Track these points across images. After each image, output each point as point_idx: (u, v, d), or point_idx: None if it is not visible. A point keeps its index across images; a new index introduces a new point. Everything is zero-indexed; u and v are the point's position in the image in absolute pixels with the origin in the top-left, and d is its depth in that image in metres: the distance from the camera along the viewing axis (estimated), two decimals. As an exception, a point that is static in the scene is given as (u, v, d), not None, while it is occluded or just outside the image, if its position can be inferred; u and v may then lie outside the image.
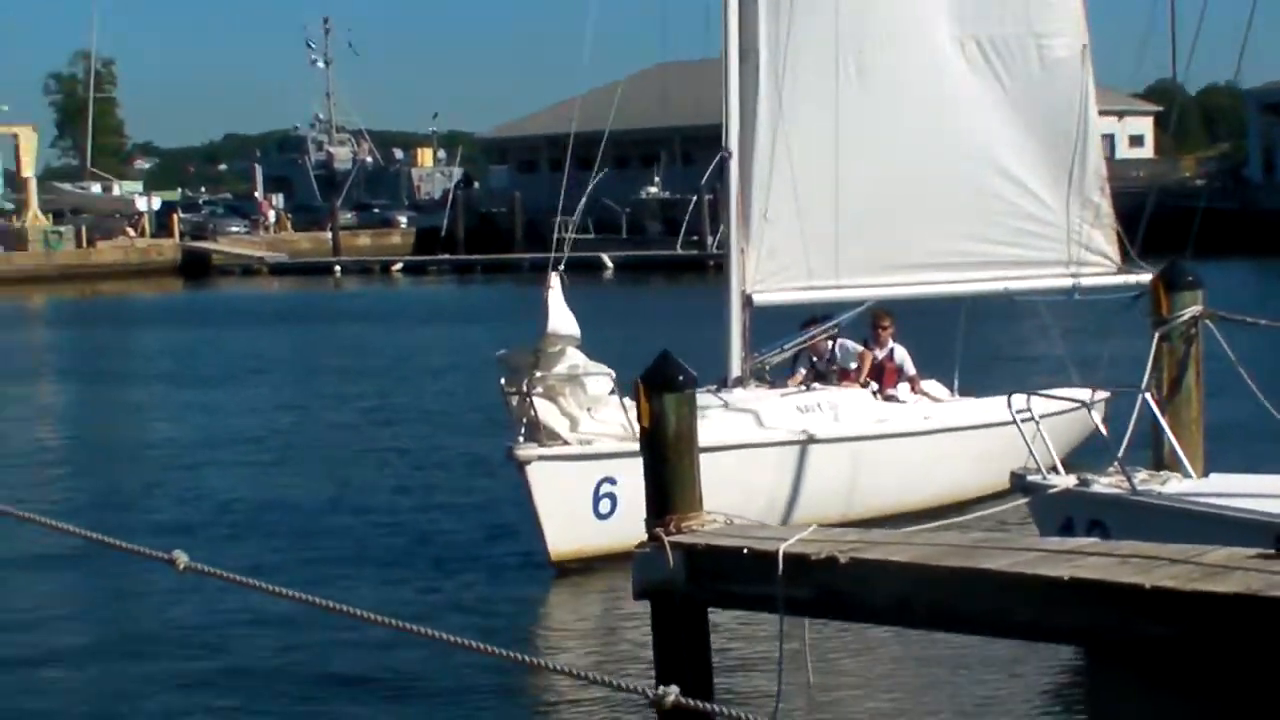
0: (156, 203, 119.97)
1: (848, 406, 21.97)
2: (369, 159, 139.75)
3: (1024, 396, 17.53)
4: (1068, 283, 24.01)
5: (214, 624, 18.29)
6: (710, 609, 14.49)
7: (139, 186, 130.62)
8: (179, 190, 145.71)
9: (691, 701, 8.18)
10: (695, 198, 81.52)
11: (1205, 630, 12.01)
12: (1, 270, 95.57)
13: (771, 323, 24.03)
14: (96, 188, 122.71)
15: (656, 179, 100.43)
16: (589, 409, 20.40)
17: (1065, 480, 16.61)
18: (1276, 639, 11.75)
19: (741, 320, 22.92)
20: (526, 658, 12.54)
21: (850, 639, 16.23)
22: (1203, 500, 15.67)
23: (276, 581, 10.77)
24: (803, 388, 22.56)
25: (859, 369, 22.99)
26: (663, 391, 14.57)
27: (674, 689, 8.05)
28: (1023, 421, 17.33)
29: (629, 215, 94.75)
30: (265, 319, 67.90)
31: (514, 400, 20.14)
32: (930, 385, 24.02)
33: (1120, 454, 16.48)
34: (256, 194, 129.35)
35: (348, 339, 55.51)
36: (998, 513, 16.83)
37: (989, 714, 14.74)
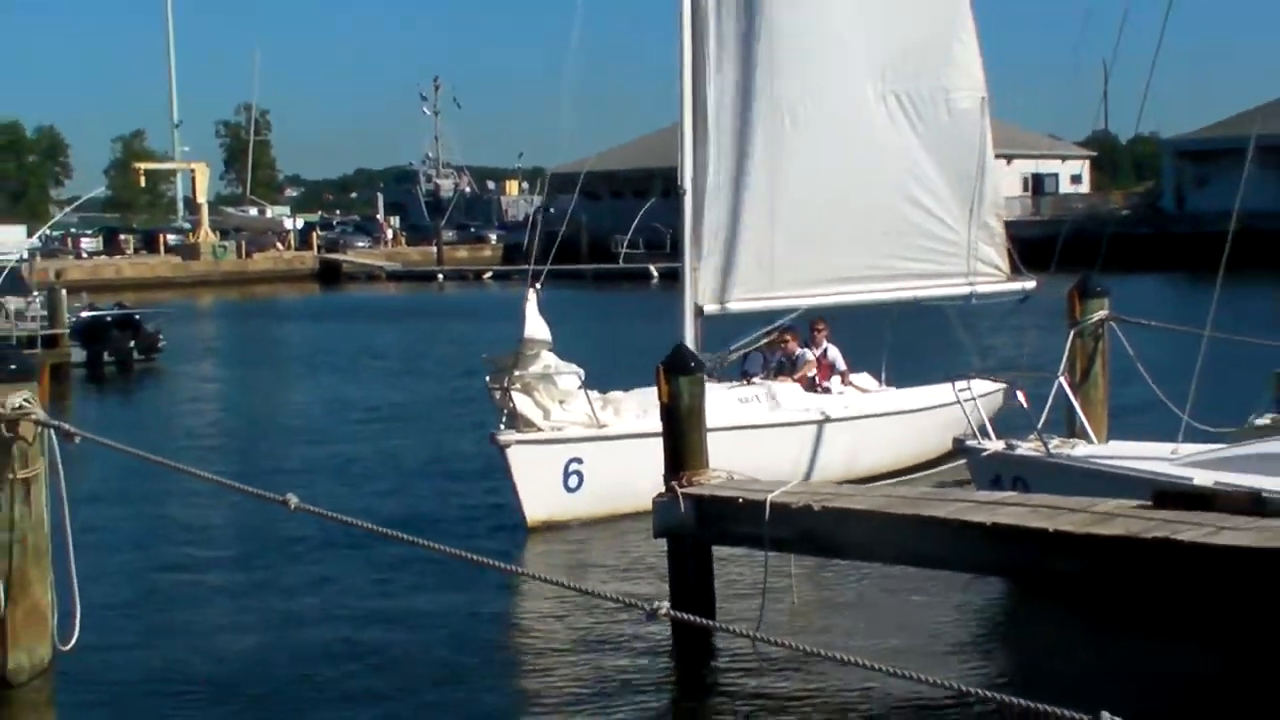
0: (300, 223, 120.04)
1: (781, 397, 21.59)
2: (467, 189, 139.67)
3: (965, 380, 17.61)
4: (967, 290, 23.63)
5: (323, 558, 18.46)
6: (714, 546, 14.64)
7: (286, 210, 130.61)
8: (318, 213, 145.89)
9: (678, 614, 8.28)
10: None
11: (1098, 565, 12.14)
12: (180, 276, 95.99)
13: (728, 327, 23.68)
14: (254, 211, 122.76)
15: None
16: (560, 401, 19.99)
17: (995, 445, 16.74)
18: (1153, 571, 11.89)
19: (694, 327, 22.33)
20: (566, 583, 12.73)
21: (832, 576, 16.20)
22: (1101, 461, 15.79)
23: (376, 522, 10.91)
24: (744, 382, 22.17)
25: (805, 369, 22.57)
26: (678, 374, 14.77)
27: (665, 603, 8.16)
28: (963, 400, 17.44)
29: (672, 235, 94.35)
30: (383, 315, 68.05)
31: (497, 394, 19.85)
32: (861, 378, 23.55)
33: (1039, 425, 16.60)
34: (378, 216, 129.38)
35: (448, 332, 55.50)
36: (944, 471, 16.93)
37: (934, 634, 14.76)
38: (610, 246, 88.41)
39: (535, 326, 19.62)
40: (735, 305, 22.73)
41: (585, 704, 12.84)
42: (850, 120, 22.95)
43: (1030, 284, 23.94)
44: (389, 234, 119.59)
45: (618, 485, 19.47)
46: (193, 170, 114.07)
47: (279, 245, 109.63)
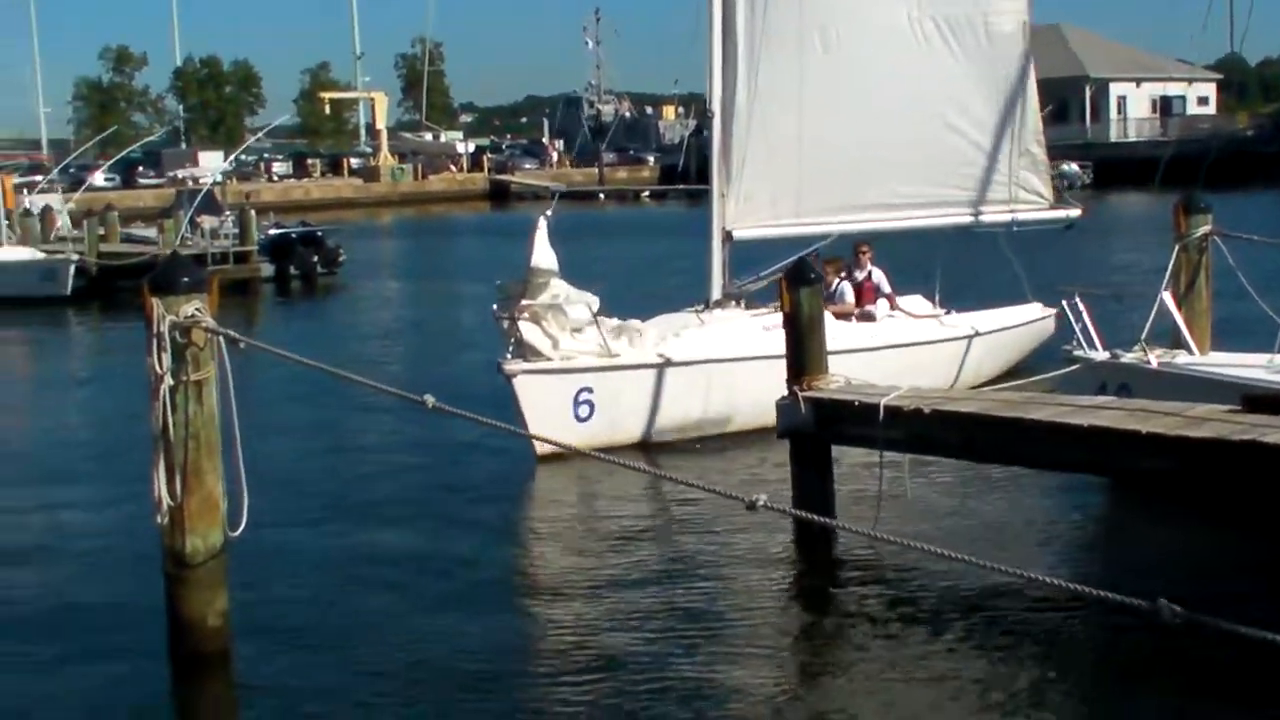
0: (472, 147, 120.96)
1: None
2: (627, 114, 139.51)
3: (1075, 292, 17.29)
4: (1007, 217, 22.34)
5: (462, 456, 18.67)
6: (833, 446, 14.68)
7: (459, 135, 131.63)
8: (489, 138, 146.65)
9: (776, 507, 8.32)
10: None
11: (1188, 465, 12.04)
12: (362, 196, 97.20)
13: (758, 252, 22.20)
14: (429, 136, 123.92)
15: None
16: (572, 331, 18.43)
17: (1101, 355, 16.56)
18: (1240, 471, 11.78)
19: (722, 252, 21.04)
20: (666, 474, 12.78)
21: (944, 475, 16.08)
22: (1199, 369, 15.59)
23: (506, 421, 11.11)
24: (770, 309, 19.37)
25: (841, 305, 20.82)
26: (800, 286, 14.75)
27: (763, 496, 8.12)
28: (1070, 313, 17.10)
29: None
30: (552, 232, 68.14)
31: (505, 323, 18.41)
32: (913, 300, 21.93)
33: (1143, 335, 16.39)
34: (544, 140, 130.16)
35: (608, 248, 55.43)
36: (1051, 378, 16.74)
37: (1034, 529, 14.74)
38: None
39: (542, 255, 18.02)
40: (764, 230, 21.43)
41: (703, 597, 12.93)
42: (884, 44, 21.66)
43: (1075, 212, 22.85)
44: (554, 156, 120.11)
45: (630, 415, 18.58)
46: (373, 99, 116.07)
47: (452, 168, 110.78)
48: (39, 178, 63.39)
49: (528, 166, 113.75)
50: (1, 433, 22.74)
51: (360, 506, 16.58)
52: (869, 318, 21.21)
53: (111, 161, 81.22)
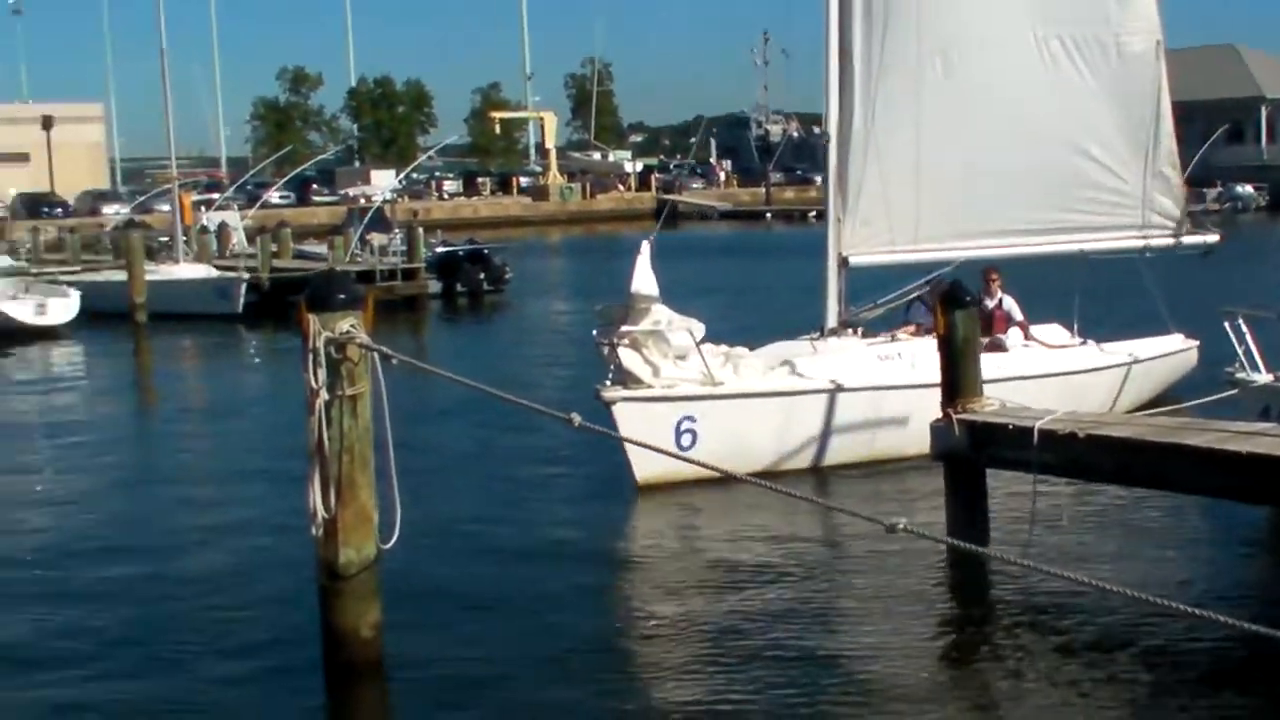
0: (640, 166, 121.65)
1: (923, 355, 17.95)
2: (795, 134, 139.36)
3: (1236, 312, 16.88)
4: (1140, 243, 21.35)
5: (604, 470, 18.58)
6: (987, 469, 14.50)
7: (627, 154, 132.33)
8: (657, 157, 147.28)
9: (917, 530, 8.24)
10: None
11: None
12: (531, 215, 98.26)
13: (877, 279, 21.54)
14: (597, 155, 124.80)
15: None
16: (675, 358, 17.86)
17: (1265, 377, 16.21)
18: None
19: (838, 279, 20.37)
20: (801, 494, 12.78)
21: (1100, 499, 15.83)
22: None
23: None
24: (890, 337, 19.76)
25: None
26: (954, 308, 14.67)
27: (903, 519, 8.05)
28: (1233, 332, 16.72)
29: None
30: (715, 252, 68.24)
31: (605, 349, 17.92)
32: (1049, 329, 21.02)
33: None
34: (711, 159, 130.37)
35: (773, 268, 55.30)
36: (1213, 401, 16.38)
37: (1197, 557, 14.46)
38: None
39: (643, 281, 17.36)
40: (881, 257, 20.69)
41: (850, 620, 13.00)
42: (1007, 66, 20.80)
43: (1213, 238, 21.93)
44: (721, 176, 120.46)
45: (734, 445, 17.61)
46: (542, 119, 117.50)
47: (620, 187, 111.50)
48: (216, 195, 64.83)
49: (695, 186, 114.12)
50: (175, 443, 23.41)
51: (508, 522, 16.75)
52: (999, 347, 20.05)
53: (286, 179, 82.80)
